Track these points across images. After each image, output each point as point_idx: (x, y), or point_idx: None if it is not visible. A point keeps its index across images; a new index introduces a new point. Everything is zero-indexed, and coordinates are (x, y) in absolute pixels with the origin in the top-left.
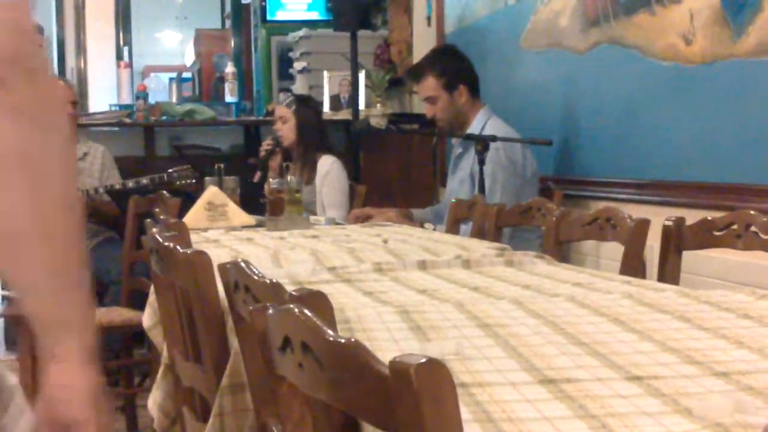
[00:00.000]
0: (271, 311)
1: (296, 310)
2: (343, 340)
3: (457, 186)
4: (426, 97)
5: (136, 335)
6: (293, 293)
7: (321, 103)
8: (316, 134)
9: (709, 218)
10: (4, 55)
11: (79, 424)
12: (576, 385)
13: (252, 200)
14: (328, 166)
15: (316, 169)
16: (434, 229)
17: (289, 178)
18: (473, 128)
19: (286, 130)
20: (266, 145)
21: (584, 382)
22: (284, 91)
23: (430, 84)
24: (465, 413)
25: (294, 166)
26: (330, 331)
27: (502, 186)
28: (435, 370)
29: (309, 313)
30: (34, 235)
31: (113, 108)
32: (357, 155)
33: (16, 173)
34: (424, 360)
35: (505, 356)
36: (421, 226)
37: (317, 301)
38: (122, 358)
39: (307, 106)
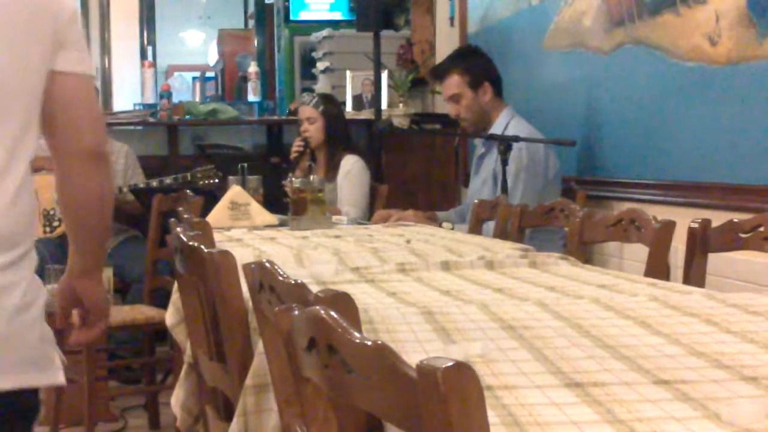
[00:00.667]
0: (296, 312)
1: (322, 311)
2: (369, 343)
3: (480, 186)
4: (450, 95)
5: (159, 333)
6: (319, 294)
7: (343, 102)
8: (342, 134)
9: (735, 220)
10: (105, 145)
11: (107, 310)
12: (603, 389)
13: (275, 199)
14: (350, 164)
15: (338, 168)
16: (452, 228)
17: (311, 177)
18: (496, 128)
19: (314, 130)
20: (297, 146)
21: (611, 386)
22: (307, 91)
23: (454, 81)
24: (492, 416)
25: (317, 166)
26: (356, 333)
27: (524, 186)
28: (462, 373)
29: (335, 315)
30: (102, 230)
31: (137, 107)
32: (379, 155)
33: (106, 205)
34: (451, 363)
35: (531, 359)
36: (439, 225)
37: (343, 302)
38: (145, 356)
39: (333, 105)
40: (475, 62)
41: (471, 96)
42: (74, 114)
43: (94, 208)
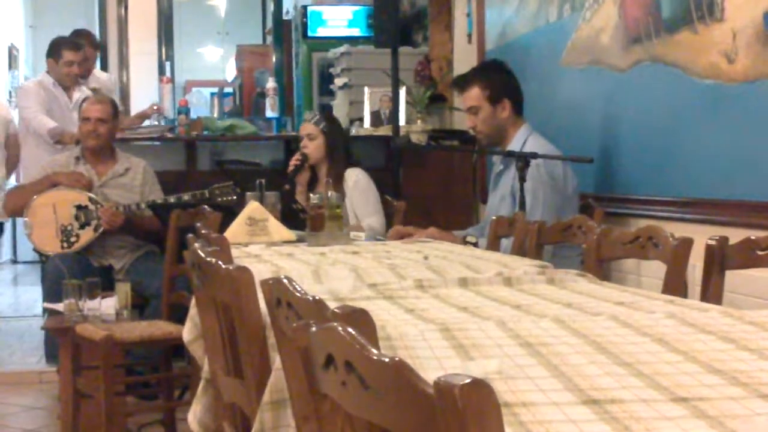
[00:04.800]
0: (314, 329)
1: (340, 328)
2: (387, 360)
3: (498, 203)
4: (469, 107)
5: (176, 348)
6: (336, 311)
7: (360, 119)
8: (343, 151)
9: (753, 237)
10: None
11: None
12: (620, 406)
13: (292, 215)
14: (354, 177)
15: (342, 184)
16: (476, 243)
17: (329, 193)
18: (513, 145)
19: (313, 147)
20: (295, 160)
21: (628, 403)
22: (319, 108)
23: (474, 94)
24: None
25: (319, 183)
26: (374, 350)
27: (542, 203)
28: (480, 390)
29: (353, 332)
30: None
31: (155, 122)
32: (397, 171)
33: None
34: (468, 380)
35: (548, 376)
36: (464, 239)
37: (360, 319)
38: (162, 372)
39: (334, 122)
40: (497, 78)
41: (489, 110)
42: None
43: None
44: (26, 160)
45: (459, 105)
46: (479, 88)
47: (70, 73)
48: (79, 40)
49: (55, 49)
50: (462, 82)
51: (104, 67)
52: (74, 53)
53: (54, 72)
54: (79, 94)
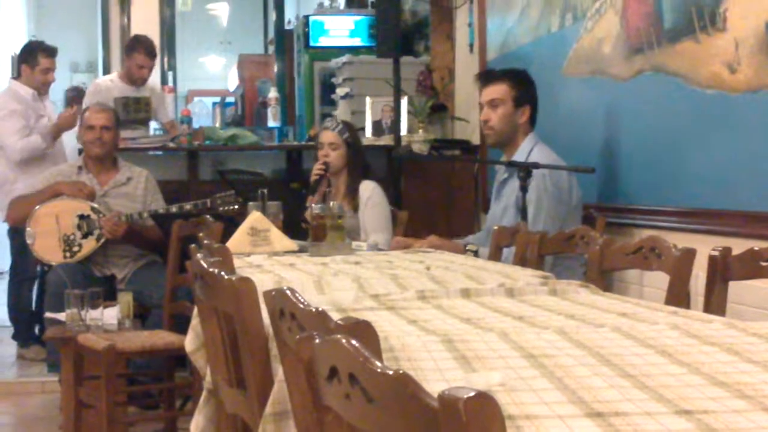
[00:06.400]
0: (318, 341)
1: (344, 340)
2: (391, 372)
3: (501, 213)
4: (491, 99)
5: (178, 358)
6: (340, 322)
7: (362, 128)
8: (361, 162)
9: (756, 248)
10: None
11: None
12: (625, 419)
13: (294, 225)
14: (369, 191)
15: (357, 196)
16: (476, 252)
17: (331, 203)
18: (519, 154)
19: (335, 157)
20: (318, 170)
21: (633, 416)
22: (328, 117)
23: (502, 89)
24: None
25: (334, 192)
26: (378, 363)
27: (546, 213)
28: (484, 403)
29: (357, 344)
30: None
31: (157, 132)
32: (399, 181)
33: None
34: (473, 393)
35: (552, 388)
36: (464, 247)
37: (364, 331)
38: (164, 382)
39: (355, 133)
40: (525, 85)
41: (510, 109)
42: None
43: None
44: None
45: (461, 113)
46: (508, 86)
47: (45, 81)
48: (149, 45)
49: (30, 56)
50: (491, 75)
51: None
52: (50, 60)
53: (28, 79)
54: (49, 102)
